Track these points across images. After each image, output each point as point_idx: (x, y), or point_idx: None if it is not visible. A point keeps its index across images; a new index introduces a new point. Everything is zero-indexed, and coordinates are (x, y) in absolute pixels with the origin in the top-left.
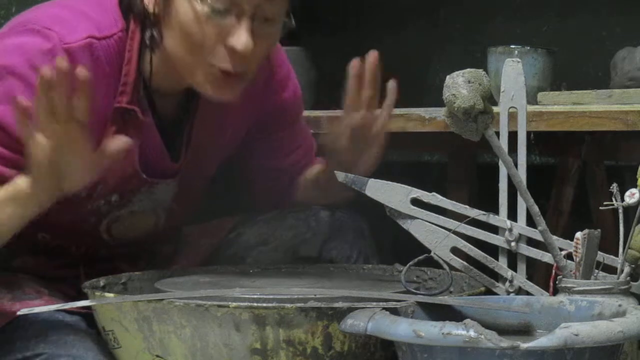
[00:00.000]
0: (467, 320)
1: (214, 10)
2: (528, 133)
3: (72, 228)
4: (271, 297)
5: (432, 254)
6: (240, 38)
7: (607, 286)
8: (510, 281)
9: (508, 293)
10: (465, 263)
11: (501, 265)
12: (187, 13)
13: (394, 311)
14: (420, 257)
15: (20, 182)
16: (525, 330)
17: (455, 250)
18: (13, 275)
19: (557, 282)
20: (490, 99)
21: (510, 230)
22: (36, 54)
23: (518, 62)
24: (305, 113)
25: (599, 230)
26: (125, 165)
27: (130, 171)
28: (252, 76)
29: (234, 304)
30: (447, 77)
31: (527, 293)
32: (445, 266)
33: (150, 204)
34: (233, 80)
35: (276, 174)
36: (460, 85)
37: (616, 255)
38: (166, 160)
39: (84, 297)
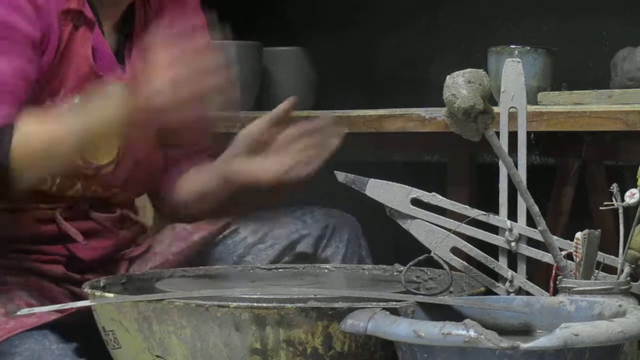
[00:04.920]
0: (467, 320)
1: None
2: (528, 133)
3: None
4: (271, 297)
5: (432, 254)
6: None
7: (607, 286)
8: (510, 281)
9: (508, 293)
10: (465, 263)
11: (501, 265)
12: None
13: (394, 311)
14: (421, 257)
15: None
16: (525, 330)
17: (455, 250)
18: (2, 285)
19: (557, 282)
20: (491, 99)
21: (511, 230)
22: None
23: (518, 62)
24: (305, 113)
25: (599, 230)
26: (80, 63)
27: (86, 69)
28: None
29: (234, 304)
30: (447, 77)
31: (527, 293)
32: (445, 266)
33: None
34: None
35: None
36: (460, 85)
37: (616, 255)
38: (115, 64)
39: (84, 297)
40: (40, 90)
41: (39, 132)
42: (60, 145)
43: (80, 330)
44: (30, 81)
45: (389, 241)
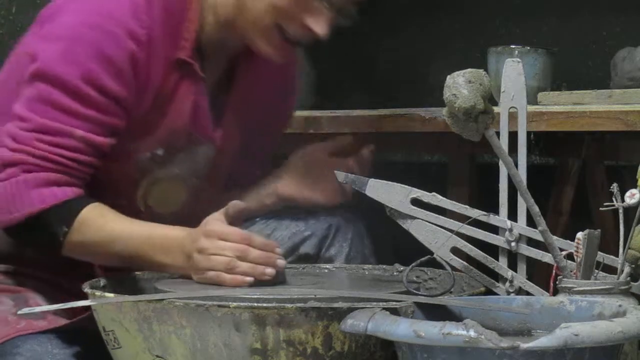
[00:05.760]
0: (467, 320)
1: None
2: (528, 133)
3: (114, 184)
4: (271, 297)
5: (435, 255)
6: (322, 26)
7: (607, 286)
8: (511, 281)
9: (508, 293)
10: (465, 263)
11: (501, 265)
12: None
13: (394, 311)
14: (423, 259)
15: (179, 259)
16: (525, 331)
17: (456, 250)
18: (17, 286)
19: (557, 283)
20: (491, 99)
21: (511, 230)
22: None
23: (518, 62)
24: (305, 113)
25: (599, 230)
26: (176, 116)
27: (179, 124)
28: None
29: (234, 304)
30: (448, 77)
31: (527, 293)
32: (448, 268)
33: (188, 168)
34: (292, 48)
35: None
36: (460, 85)
37: (616, 255)
38: (209, 123)
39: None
40: (127, 136)
41: (99, 230)
42: (112, 250)
43: (89, 336)
44: (102, 149)
45: (389, 241)
